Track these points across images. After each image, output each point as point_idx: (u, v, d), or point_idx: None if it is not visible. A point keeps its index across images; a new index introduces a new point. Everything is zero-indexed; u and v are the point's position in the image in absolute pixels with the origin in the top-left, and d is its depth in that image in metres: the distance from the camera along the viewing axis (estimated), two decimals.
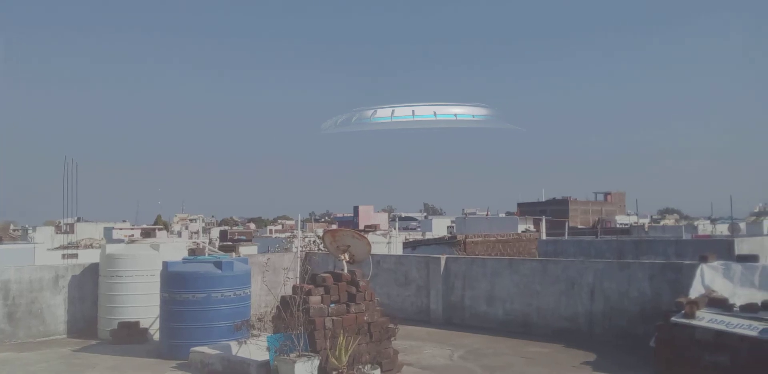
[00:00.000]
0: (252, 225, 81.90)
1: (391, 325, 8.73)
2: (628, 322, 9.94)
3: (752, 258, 9.22)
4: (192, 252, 10.83)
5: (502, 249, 22.90)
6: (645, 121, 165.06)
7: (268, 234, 53.02)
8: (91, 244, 19.47)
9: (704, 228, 48.66)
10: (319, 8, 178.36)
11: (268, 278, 10.22)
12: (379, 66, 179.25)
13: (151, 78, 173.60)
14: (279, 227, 75.62)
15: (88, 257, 13.17)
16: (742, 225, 44.27)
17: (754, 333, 7.28)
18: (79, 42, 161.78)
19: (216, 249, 14.60)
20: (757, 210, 68.20)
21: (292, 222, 76.25)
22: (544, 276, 11.03)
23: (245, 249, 15.21)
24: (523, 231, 32.89)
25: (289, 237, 18.11)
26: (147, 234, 14.46)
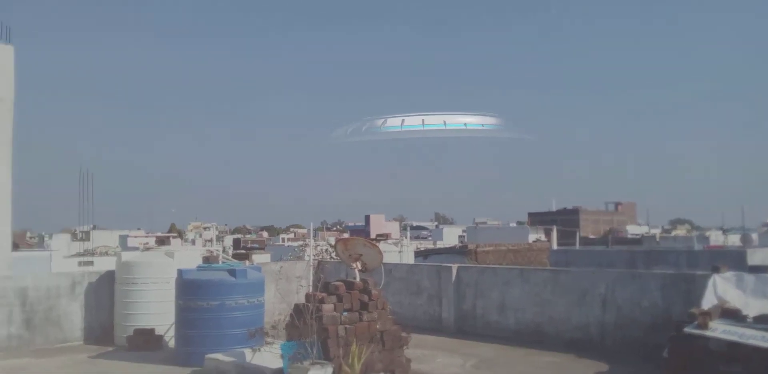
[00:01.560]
0: (265, 234, 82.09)
1: (404, 334, 8.77)
2: (640, 333, 9.92)
3: (765, 269, 9.21)
4: (206, 260, 10.90)
5: (513, 258, 22.88)
6: (657, 130, 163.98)
7: (280, 243, 53.14)
8: (106, 252, 19.62)
9: (716, 238, 48.36)
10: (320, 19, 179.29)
11: (281, 286, 10.30)
12: (390, 77, 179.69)
13: (165, 83, 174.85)
14: (291, 235, 75.73)
15: (104, 264, 13.33)
16: (754, 236, 43.94)
17: (767, 345, 7.27)
18: (97, 43, 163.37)
19: (230, 257, 14.71)
20: None
21: (304, 231, 76.33)
22: (556, 286, 11.04)
23: (258, 258, 15.31)
24: (534, 241, 32.82)
25: (301, 246, 18.21)
26: (162, 242, 14.62)
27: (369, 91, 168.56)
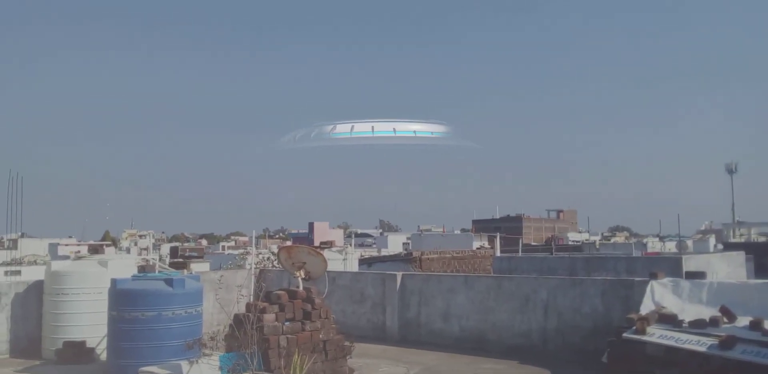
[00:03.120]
0: (204, 242, 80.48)
1: (347, 343, 8.66)
2: (580, 338, 10.06)
3: (700, 275, 9.49)
4: (142, 269, 10.54)
5: (457, 265, 23.02)
6: (597, 138, 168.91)
7: (220, 251, 52.14)
8: (35, 261, 18.79)
9: (653, 245, 49.95)
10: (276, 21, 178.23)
11: (221, 296, 9.98)
12: (334, 80, 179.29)
13: (101, 83, 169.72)
14: (232, 243, 74.48)
15: (33, 274, 12.68)
16: (690, 243, 45.60)
17: (702, 349, 7.45)
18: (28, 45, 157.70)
19: (166, 266, 14.26)
20: (703, 228, 70.37)
21: (245, 239, 75.21)
22: (499, 293, 11.11)
23: (197, 266, 14.88)
24: (478, 248, 33.14)
25: (242, 254, 17.84)
26: (94, 250, 14.03)
27: (318, 95, 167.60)
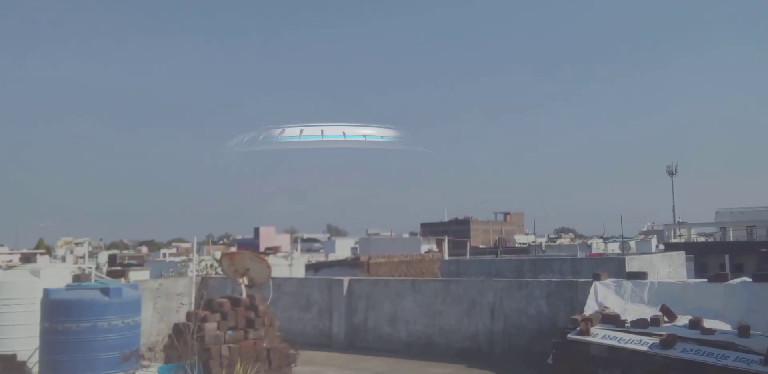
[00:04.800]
0: (144, 249, 78.60)
1: (292, 351, 8.50)
2: (527, 340, 10.11)
3: (641, 275, 9.65)
4: (77, 278, 10.07)
5: (405, 269, 23.03)
6: (541, 141, 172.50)
7: (161, 258, 51.04)
8: None
9: (597, 246, 51.31)
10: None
11: (161, 304, 9.70)
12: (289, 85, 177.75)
13: (38, 87, 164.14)
14: (173, 250, 73.06)
15: None
16: (632, 244, 47.11)
17: (644, 348, 7.56)
18: None
19: (103, 275, 13.77)
20: (645, 229, 72.74)
21: (187, 245, 73.71)
22: (447, 297, 11.09)
23: (136, 275, 14.41)
24: (426, 252, 33.32)
25: (184, 261, 17.36)
26: (27, 259, 13.44)
27: (265, 100, 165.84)
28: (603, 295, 9.38)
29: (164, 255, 60.42)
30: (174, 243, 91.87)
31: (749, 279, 8.87)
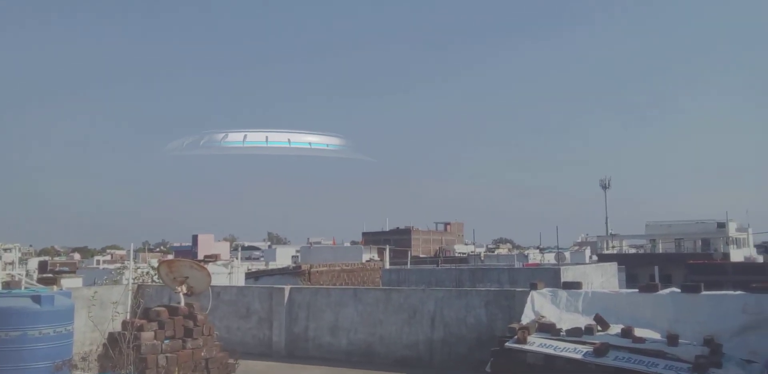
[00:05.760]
0: (77, 256, 75.89)
1: (231, 360, 8.39)
2: (466, 348, 10.26)
3: (576, 285, 9.94)
4: (6, 285, 9.73)
5: (347, 278, 23.00)
6: (480, 154, 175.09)
7: (95, 266, 49.47)
8: None
9: (534, 257, 52.55)
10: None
11: (95, 313, 9.39)
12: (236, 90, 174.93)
13: None
14: (108, 257, 70.90)
15: None
16: (567, 255, 48.41)
17: (578, 356, 7.79)
18: None
19: (34, 282, 13.27)
20: (579, 240, 74.84)
21: (122, 252, 71.74)
22: (388, 305, 11.14)
23: (68, 282, 13.92)
24: (367, 261, 33.34)
25: (119, 269, 16.90)
26: None
27: (209, 104, 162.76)
28: (539, 304, 9.62)
29: (98, 262, 58.54)
30: (108, 250, 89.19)
31: (678, 290, 9.26)
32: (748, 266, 39.95)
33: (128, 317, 8.77)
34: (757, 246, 63.14)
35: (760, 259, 51.20)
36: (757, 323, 8.23)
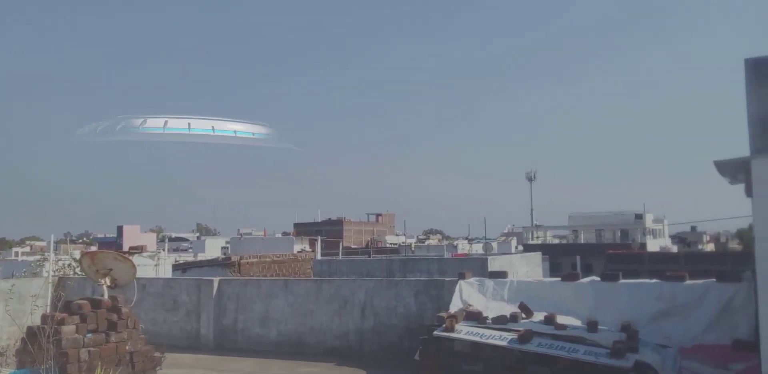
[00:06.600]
0: None
1: (157, 354, 8.23)
2: (396, 337, 10.40)
3: (502, 274, 10.23)
4: None
5: (278, 269, 22.79)
6: (408, 143, 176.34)
7: (13, 257, 47.29)
8: None
9: (463, 247, 53.61)
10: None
11: (13, 307, 9.03)
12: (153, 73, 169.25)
13: None
14: (27, 249, 67.91)
15: None
16: (495, 245, 49.62)
17: (503, 343, 8.04)
18: None
19: None
20: (506, 231, 76.79)
21: (42, 244, 68.84)
22: (318, 296, 11.16)
23: None
24: (299, 252, 33.17)
25: (39, 261, 16.20)
26: None
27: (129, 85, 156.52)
28: (467, 293, 9.85)
29: (16, 254, 55.95)
30: (27, 242, 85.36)
31: (597, 279, 9.66)
32: (663, 256, 41.89)
33: (48, 310, 8.44)
34: (672, 237, 66.47)
35: (675, 249, 53.93)
36: (671, 310, 8.65)
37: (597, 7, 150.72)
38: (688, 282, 8.95)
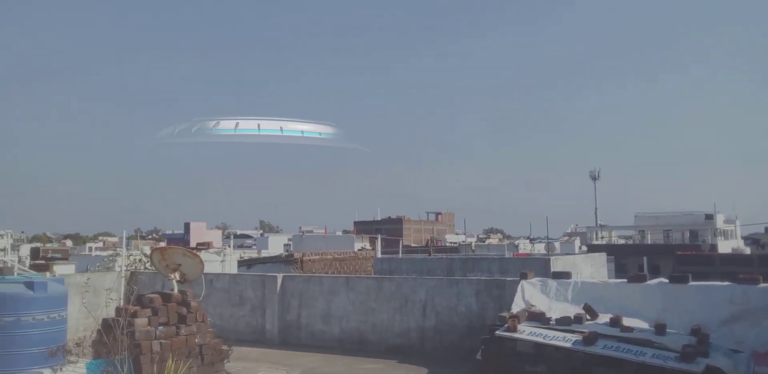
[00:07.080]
0: (69, 243, 75.63)
1: (225, 347, 8.45)
2: (457, 337, 10.38)
3: (565, 275, 10.06)
4: None
5: (338, 267, 23.06)
6: (474, 144, 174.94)
7: (87, 252, 49.36)
8: None
9: (524, 247, 52.92)
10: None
11: (88, 300, 9.43)
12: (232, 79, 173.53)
13: None
14: (100, 244, 70.73)
15: None
16: (557, 245, 48.90)
17: (567, 345, 7.91)
18: None
19: (27, 269, 13.24)
20: (569, 231, 75.30)
21: (114, 240, 71.49)
22: (379, 294, 11.24)
23: (61, 269, 13.86)
24: (359, 250, 33.45)
25: (111, 256, 16.86)
26: None
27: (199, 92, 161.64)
28: (529, 294, 9.73)
29: (90, 249, 58.38)
30: (100, 237, 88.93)
31: (665, 280, 9.39)
32: (735, 257, 40.31)
33: (122, 303, 8.79)
34: (745, 238, 63.78)
35: (748, 251, 51.74)
36: (744, 314, 8.35)
37: (666, 9, 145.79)
38: (762, 285, 8.60)
